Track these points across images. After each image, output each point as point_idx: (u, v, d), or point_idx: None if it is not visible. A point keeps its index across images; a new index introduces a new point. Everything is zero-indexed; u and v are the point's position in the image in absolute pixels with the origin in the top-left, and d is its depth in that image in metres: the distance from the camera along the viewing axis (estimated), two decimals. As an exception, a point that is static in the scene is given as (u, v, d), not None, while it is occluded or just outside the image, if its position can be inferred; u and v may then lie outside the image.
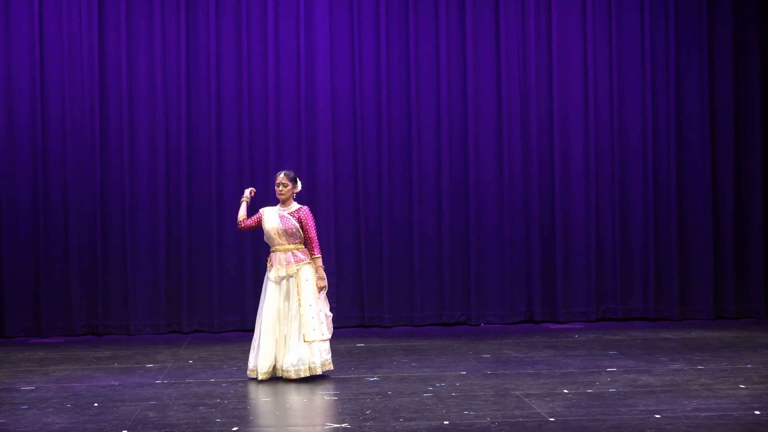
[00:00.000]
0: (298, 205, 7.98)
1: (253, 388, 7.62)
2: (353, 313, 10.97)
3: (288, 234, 7.84)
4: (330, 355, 7.86)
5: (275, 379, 7.82)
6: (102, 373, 8.42)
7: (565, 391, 7.29)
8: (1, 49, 10.61)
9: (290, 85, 10.94)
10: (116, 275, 10.69)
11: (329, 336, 7.85)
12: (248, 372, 7.93)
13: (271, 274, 7.85)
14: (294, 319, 7.73)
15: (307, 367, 7.70)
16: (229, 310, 10.83)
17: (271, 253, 7.93)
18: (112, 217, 10.71)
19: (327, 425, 6.46)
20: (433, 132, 11.09)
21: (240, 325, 10.81)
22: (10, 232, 10.59)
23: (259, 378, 7.76)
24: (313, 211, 10.83)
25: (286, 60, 10.94)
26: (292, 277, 7.80)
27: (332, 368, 7.90)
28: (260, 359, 7.79)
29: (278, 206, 8.00)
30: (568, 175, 11.22)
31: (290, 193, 7.94)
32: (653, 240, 11.21)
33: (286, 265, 7.82)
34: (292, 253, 7.84)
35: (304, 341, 7.68)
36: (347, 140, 11.00)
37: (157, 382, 7.94)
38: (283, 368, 7.74)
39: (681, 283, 11.25)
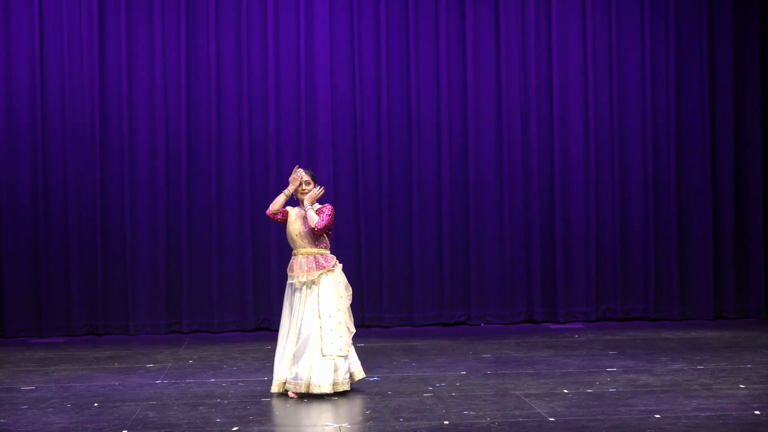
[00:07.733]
0: (320, 205, 7.41)
1: (253, 389, 7.61)
2: (353, 313, 10.90)
3: (310, 236, 7.32)
4: (347, 374, 7.26)
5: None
6: (102, 373, 8.42)
7: (565, 391, 7.29)
8: (1, 49, 10.62)
9: (290, 85, 10.93)
10: (116, 275, 10.69)
11: (346, 353, 7.25)
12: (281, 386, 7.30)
13: (293, 280, 7.30)
14: (312, 331, 7.17)
15: (317, 383, 7.09)
16: (229, 310, 10.82)
17: (292, 257, 7.39)
18: (112, 217, 10.71)
19: (327, 425, 6.46)
20: (433, 132, 11.09)
21: (240, 325, 10.81)
22: (10, 232, 10.59)
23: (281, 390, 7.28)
24: (313, 211, 10.96)
25: (286, 60, 10.94)
26: (314, 284, 7.27)
27: (348, 388, 7.26)
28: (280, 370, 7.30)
29: (299, 207, 7.44)
30: (568, 175, 11.21)
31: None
32: (653, 240, 11.21)
33: (307, 270, 7.27)
34: (314, 257, 7.31)
35: (322, 355, 7.14)
36: (347, 140, 11.00)
37: (157, 382, 7.94)
38: (290, 380, 7.20)
39: (681, 283, 11.25)
